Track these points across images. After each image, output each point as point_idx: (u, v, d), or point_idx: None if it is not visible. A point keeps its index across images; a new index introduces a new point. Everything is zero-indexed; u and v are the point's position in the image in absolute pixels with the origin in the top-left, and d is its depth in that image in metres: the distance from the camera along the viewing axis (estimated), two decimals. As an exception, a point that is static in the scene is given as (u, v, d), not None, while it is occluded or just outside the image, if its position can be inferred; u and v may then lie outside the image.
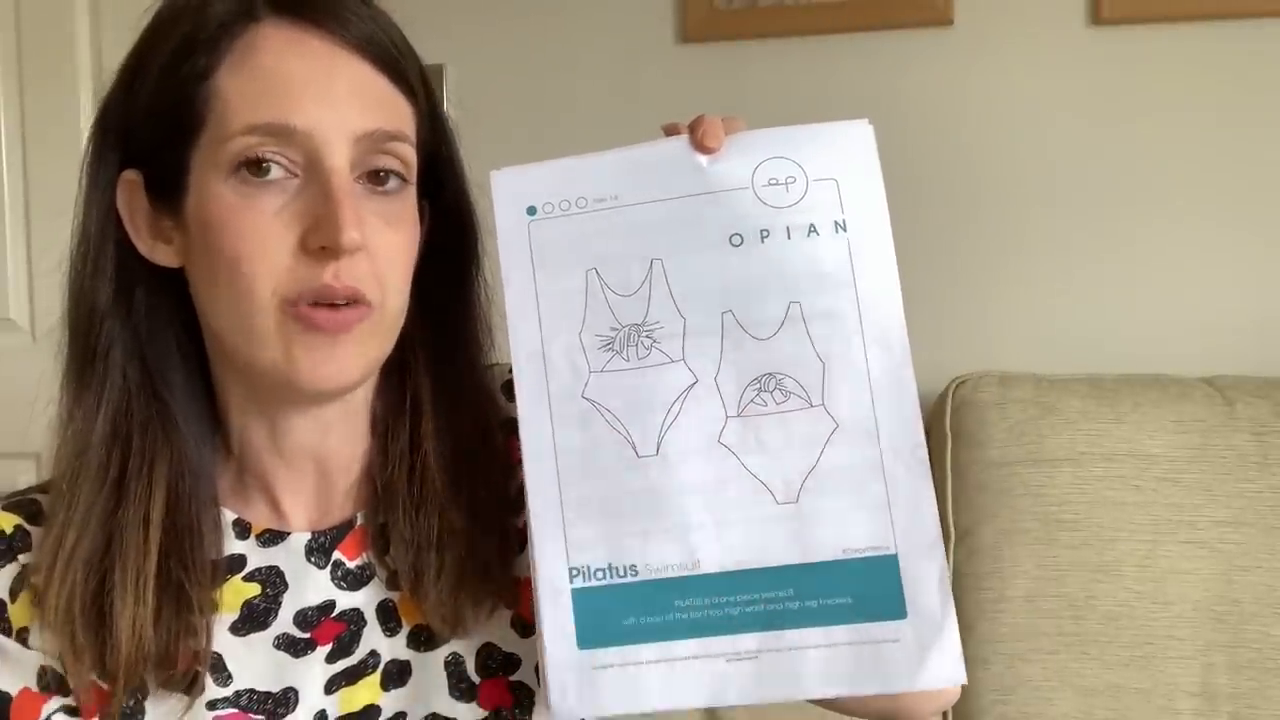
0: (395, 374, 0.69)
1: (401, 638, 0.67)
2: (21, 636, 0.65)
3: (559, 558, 0.58)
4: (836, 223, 0.59)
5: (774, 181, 0.59)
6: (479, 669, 0.67)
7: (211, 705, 0.64)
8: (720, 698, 0.56)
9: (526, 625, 0.68)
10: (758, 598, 0.57)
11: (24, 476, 1.61)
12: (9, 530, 0.66)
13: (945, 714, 1.21)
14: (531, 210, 0.60)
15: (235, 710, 0.64)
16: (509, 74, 1.52)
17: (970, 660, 1.18)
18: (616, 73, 1.50)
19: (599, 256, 0.59)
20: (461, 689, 0.66)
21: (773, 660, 0.56)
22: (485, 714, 0.66)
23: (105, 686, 0.63)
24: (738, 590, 0.57)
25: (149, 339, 0.65)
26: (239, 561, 0.67)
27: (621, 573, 0.58)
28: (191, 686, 0.63)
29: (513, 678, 0.67)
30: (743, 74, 1.47)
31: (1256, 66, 1.37)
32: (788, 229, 0.58)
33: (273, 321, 0.60)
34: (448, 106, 1.50)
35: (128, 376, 0.65)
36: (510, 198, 0.60)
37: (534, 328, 0.59)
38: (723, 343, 0.59)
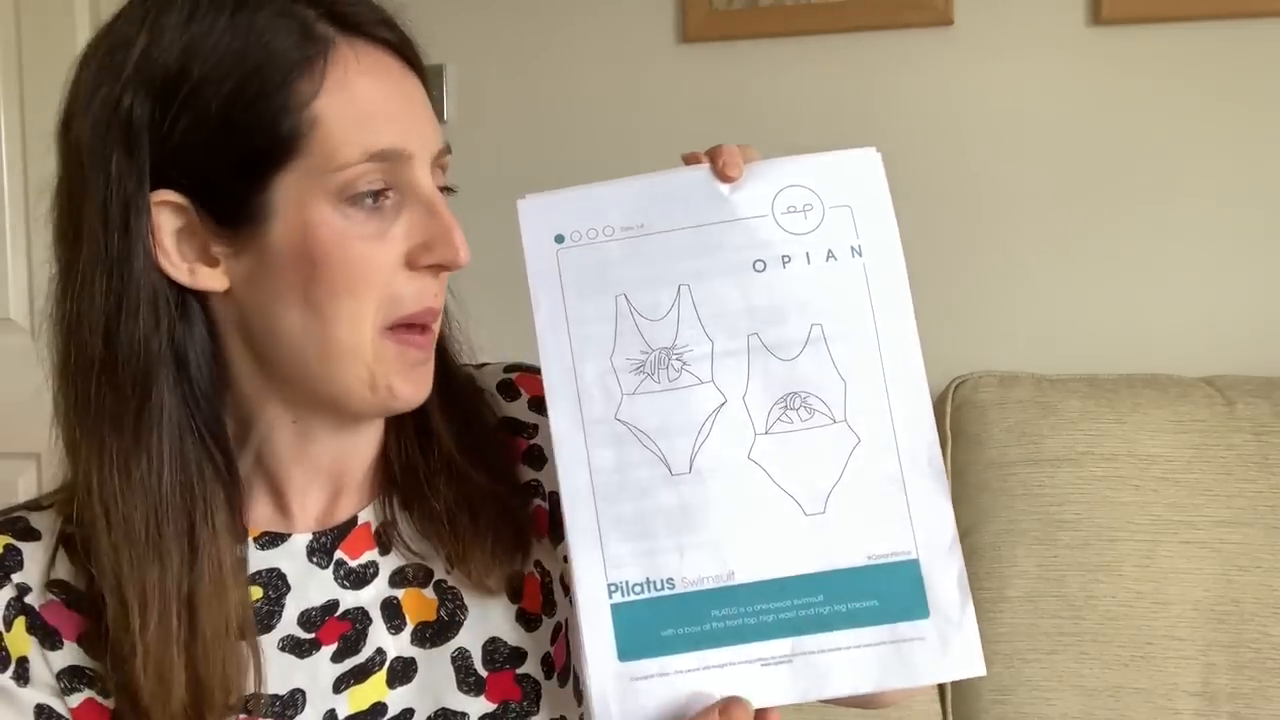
0: None
1: (406, 635, 0.67)
2: (21, 666, 0.63)
3: (598, 574, 0.60)
4: (853, 248, 0.62)
5: (793, 209, 0.62)
6: (485, 663, 0.67)
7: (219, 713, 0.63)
8: (755, 701, 0.59)
9: (530, 619, 0.69)
10: (789, 604, 0.59)
11: (24, 476, 1.61)
12: None
13: (945, 713, 1.21)
14: (560, 238, 0.62)
15: (243, 715, 0.63)
16: (509, 74, 1.52)
17: (970, 660, 1.19)
18: (616, 73, 1.50)
19: (627, 282, 0.61)
20: (469, 683, 0.66)
21: (805, 663, 0.59)
22: (494, 707, 0.67)
23: (107, 705, 0.62)
24: (770, 598, 0.59)
25: (197, 373, 0.63)
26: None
27: (659, 586, 0.60)
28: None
29: (519, 671, 0.68)
30: (743, 74, 1.48)
31: (1256, 66, 1.37)
32: (807, 254, 0.61)
33: (373, 349, 0.61)
34: (447, 106, 1.51)
35: (177, 417, 0.62)
36: (537, 225, 0.62)
37: (566, 353, 0.61)
38: (749, 364, 0.61)
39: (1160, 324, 1.40)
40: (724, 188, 0.62)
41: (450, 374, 0.71)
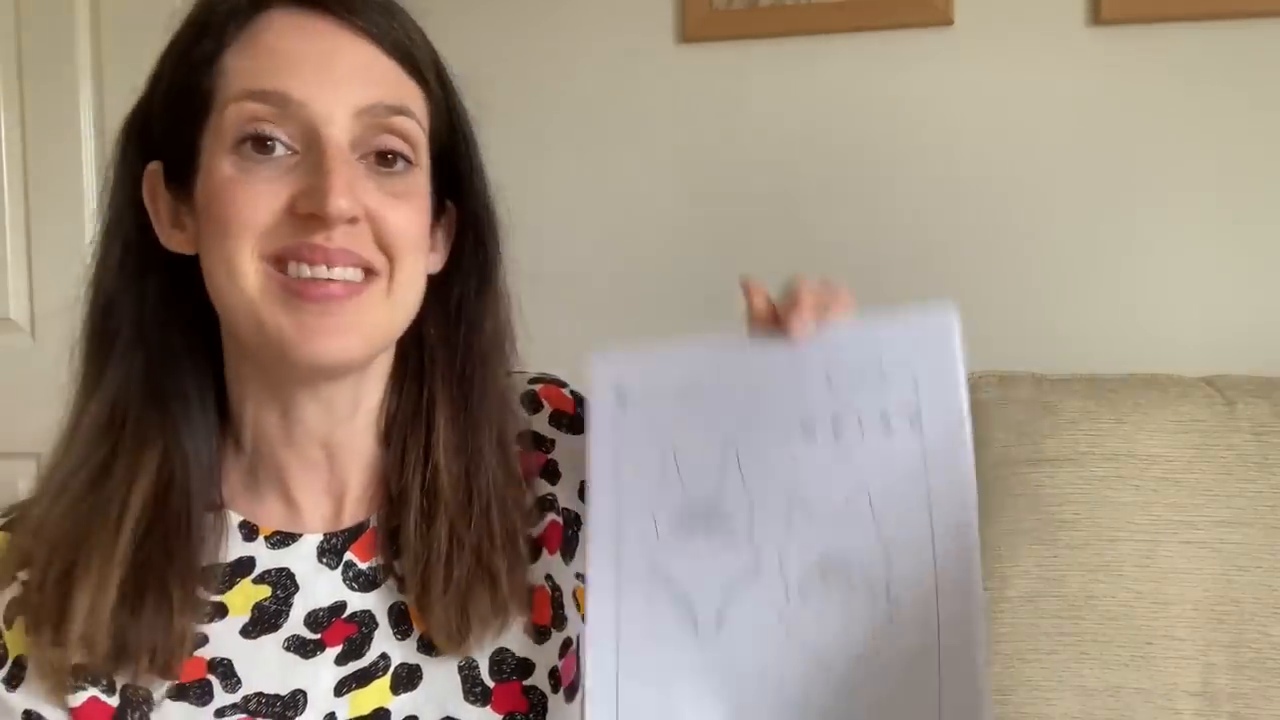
0: (414, 380, 0.69)
1: (412, 642, 0.67)
2: (18, 665, 0.63)
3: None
4: (912, 417, 0.59)
5: (851, 371, 0.60)
6: (493, 673, 0.67)
7: (220, 713, 0.63)
8: None
9: (540, 631, 0.69)
10: None
11: (24, 477, 1.61)
12: (1, 555, 0.65)
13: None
14: (622, 397, 0.63)
15: (243, 715, 0.63)
16: (509, 74, 1.52)
17: (970, 660, 1.19)
18: (616, 73, 1.50)
19: (679, 439, 0.62)
20: (476, 693, 0.66)
21: None
22: (500, 718, 0.66)
23: (110, 703, 0.62)
24: None
25: (157, 328, 0.65)
26: (248, 564, 0.66)
27: None
28: (190, 694, 0.63)
29: (527, 682, 0.68)
30: (743, 74, 1.47)
31: (1256, 66, 1.37)
32: (860, 420, 0.60)
33: (258, 286, 0.60)
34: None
35: (131, 364, 0.64)
36: (606, 382, 0.64)
37: (611, 501, 0.62)
38: (789, 527, 0.60)
39: (1160, 324, 1.39)
40: (785, 346, 0.60)
41: (476, 388, 0.69)
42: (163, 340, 0.65)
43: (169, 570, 0.62)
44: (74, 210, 1.69)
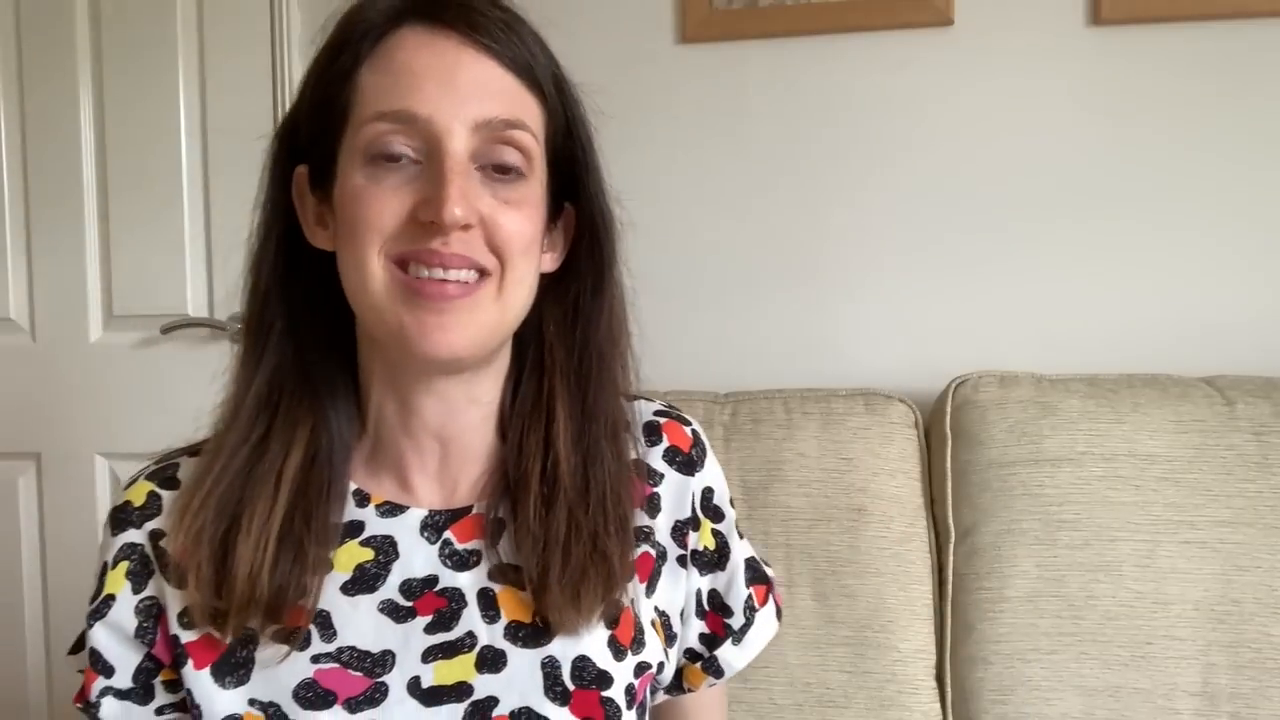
0: (534, 375, 0.74)
1: (499, 628, 0.70)
2: (105, 603, 0.70)
3: None
4: None
5: None
6: (573, 677, 0.69)
7: (315, 659, 0.68)
8: None
9: (620, 649, 0.71)
10: None
11: (24, 476, 1.61)
12: (140, 501, 0.72)
13: (945, 713, 1.21)
14: None
15: (336, 665, 0.68)
16: (509, 74, 1.52)
17: (970, 660, 1.18)
18: (616, 73, 1.50)
19: None
20: (556, 692, 0.69)
21: None
22: None
23: (220, 638, 0.67)
24: None
25: (306, 319, 0.72)
26: (358, 527, 0.71)
27: None
28: (297, 639, 0.68)
29: (605, 694, 0.69)
30: (743, 74, 1.48)
31: (1256, 66, 1.37)
32: None
33: (383, 284, 0.65)
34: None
35: (284, 351, 0.71)
36: None
37: None
38: None
39: (1160, 324, 1.40)
40: None
41: (592, 388, 0.73)
42: (311, 330, 0.72)
43: (307, 533, 0.68)
44: (74, 210, 1.70)
